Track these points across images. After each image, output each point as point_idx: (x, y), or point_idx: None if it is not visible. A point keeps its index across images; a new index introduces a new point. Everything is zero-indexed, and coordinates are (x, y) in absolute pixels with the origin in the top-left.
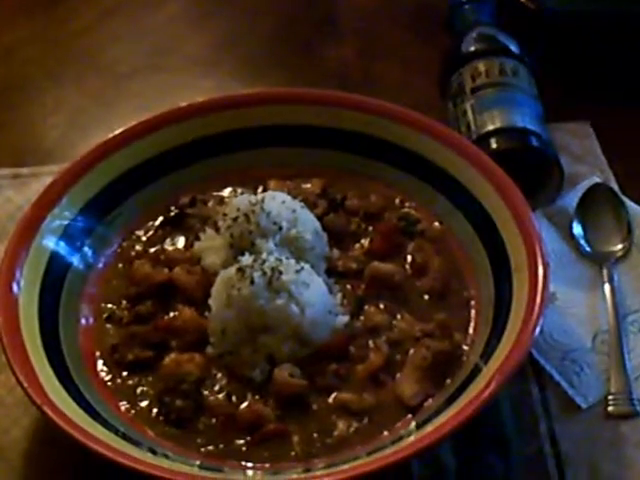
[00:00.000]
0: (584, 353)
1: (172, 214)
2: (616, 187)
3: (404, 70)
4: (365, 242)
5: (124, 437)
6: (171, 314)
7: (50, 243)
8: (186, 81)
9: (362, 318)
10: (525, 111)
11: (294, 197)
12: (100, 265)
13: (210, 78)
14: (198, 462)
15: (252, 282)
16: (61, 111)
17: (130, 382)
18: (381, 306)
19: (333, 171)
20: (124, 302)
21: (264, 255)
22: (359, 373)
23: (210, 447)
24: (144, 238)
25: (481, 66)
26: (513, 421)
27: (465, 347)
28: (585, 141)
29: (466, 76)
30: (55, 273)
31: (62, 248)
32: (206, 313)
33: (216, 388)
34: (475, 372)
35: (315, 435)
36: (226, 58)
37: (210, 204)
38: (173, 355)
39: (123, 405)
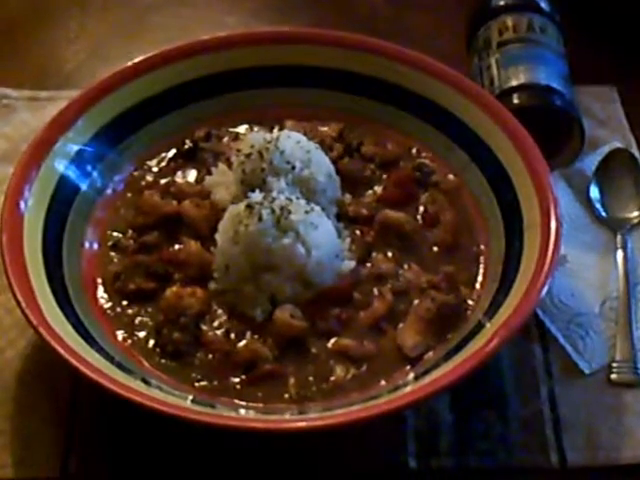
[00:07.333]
0: (591, 318)
1: (186, 147)
2: (637, 153)
3: (432, 20)
4: (378, 189)
5: (118, 366)
6: (176, 246)
7: (61, 166)
8: (210, 16)
9: (369, 265)
10: (550, 69)
11: (310, 139)
12: (109, 191)
13: (234, 14)
14: (191, 396)
15: (260, 219)
16: (84, 39)
17: (129, 311)
18: (389, 254)
19: (351, 116)
20: (130, 231)
21: (274, 193)
22: (361, 320)
23: (204, 382)
24: (155, 169)
25: (509, 20)
26: (514, 381)
27: (470, 302)
28: (609, 105)
29: (493, 30)
30: (63, 195)
31: (72, 171)
32: (212, 249)
33: (215, 324)
34: (478, 328)
35: (311, 379)
36: None
37: (225, 140)
38: (175, 288)
39: (120, 334)
